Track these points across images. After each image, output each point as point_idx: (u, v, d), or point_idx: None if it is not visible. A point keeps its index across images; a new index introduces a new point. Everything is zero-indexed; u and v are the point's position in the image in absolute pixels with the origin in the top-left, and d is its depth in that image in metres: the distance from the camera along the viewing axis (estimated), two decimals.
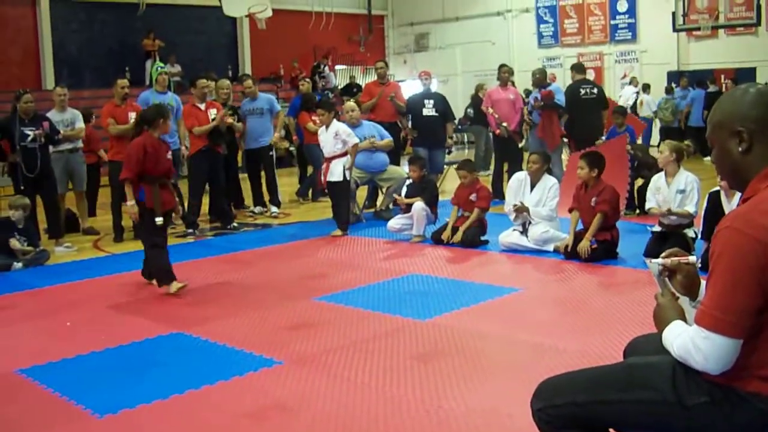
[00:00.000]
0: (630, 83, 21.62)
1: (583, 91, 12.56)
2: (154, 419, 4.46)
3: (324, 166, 10.21)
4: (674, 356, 2.58)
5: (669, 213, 7.86)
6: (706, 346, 2.45)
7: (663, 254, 2.88)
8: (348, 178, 10.10)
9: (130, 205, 7.38)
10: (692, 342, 2.49)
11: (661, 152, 8.18)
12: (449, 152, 12.94)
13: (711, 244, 2.53)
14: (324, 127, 10.17)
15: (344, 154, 9.98)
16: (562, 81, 22.44)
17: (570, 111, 12.44)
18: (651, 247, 7.77)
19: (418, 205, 9.50)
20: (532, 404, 2.80)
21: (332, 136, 9.99)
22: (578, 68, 13.35)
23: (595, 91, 12.70)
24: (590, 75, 24.09)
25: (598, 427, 2.76)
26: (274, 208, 12.21)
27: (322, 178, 10.26)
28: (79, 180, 11.03)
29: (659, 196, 8.00)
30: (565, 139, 12.65)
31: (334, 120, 10.16)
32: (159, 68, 11.76)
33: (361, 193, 11.88)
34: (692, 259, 2.84)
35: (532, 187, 8.80)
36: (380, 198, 12.03)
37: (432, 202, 9.67)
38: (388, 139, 11.26)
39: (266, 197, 12.45)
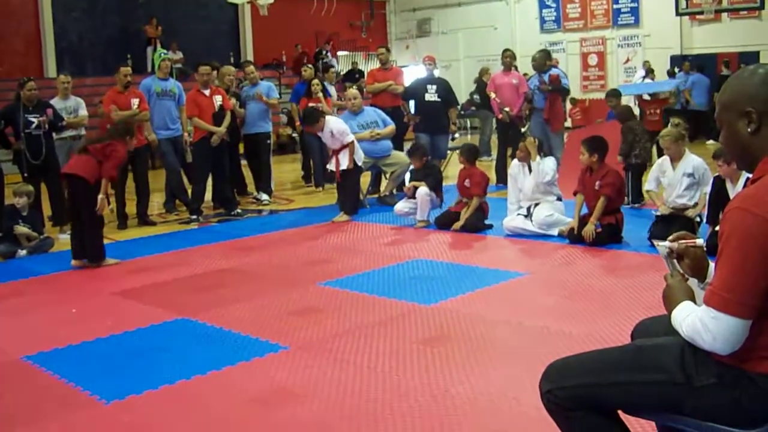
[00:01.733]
0: (642, 67, 21.49)
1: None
2: (161, 405, 4.47)
3: (333, 159, 10.22)
4: (683, 337, 2.57)
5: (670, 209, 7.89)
6: (715, 327, 2.44)
7: (670, 237, 2.87)
8: (359, 164, 10.18)
9: (102, 198, 8.06)
10: (701, 322, 2.48)
11: (667, 148, 8.12)
12: (453, 138, 12.90)
13: (720, 224, 2.52)
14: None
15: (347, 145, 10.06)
16: (564, 66, 22.42)
17: None
18: (656, 230, 7.73)
19: (422, 190, 9.50)
20: (541, 386, 2.79)
21: (329, 137, 10.07)
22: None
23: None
24: (593, 60, 24.26)
25: (606, 409, 2.75)
26: (264, 196, 12.19)
27: (335, 169, 10.27)
28: None
29: (664, 180, 7.99)
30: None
31: (327, 121, 10.19)
32: (162, 54, 11.74)
33: (365, 179, 11.85)
34: (699, 242, 2.83)
35: (530, 169, 8.81)
36: (383, 183, 12.02)
37: (436, 187, 9.67)
38: (391, 126, 11.26)
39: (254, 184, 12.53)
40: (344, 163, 10.04)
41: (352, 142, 10.05)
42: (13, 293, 7.32)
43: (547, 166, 8.67)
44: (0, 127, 9.69)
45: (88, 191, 8.01)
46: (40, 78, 18.61)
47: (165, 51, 13.63)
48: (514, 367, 4.73)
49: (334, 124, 10.15)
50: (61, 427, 4.28)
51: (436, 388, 4.45)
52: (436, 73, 13.14)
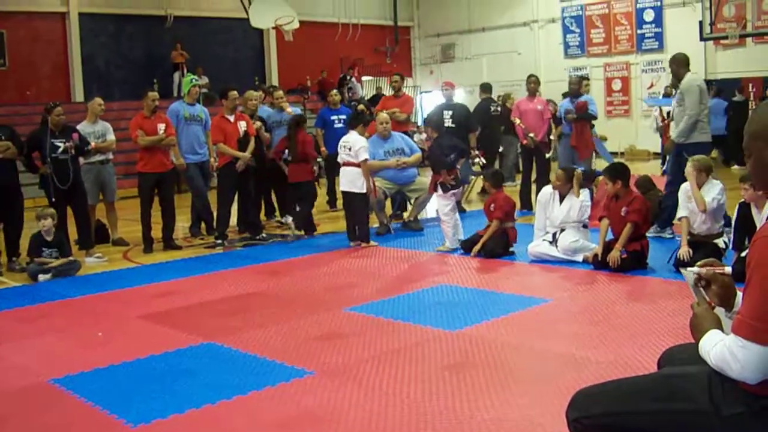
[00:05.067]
0: (664, 92, 21.38)
1: (492, 108, 14.27)
2: (187, 429, 4.49)
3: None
4: (711, 366, 2.57)
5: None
6: (744, 355, 2.44)
7: (698, 263, 2.87)
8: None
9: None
10: (729, 351, 2.48)
11: (689, 173, 8.04)
12: (473, 163, 12.90)
13: (748, 253, 2.52)
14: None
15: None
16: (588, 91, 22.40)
17: (482, 126, 13.42)
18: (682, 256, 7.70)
19: (444, 216, 9.54)
20: (568, 414, 2.80)
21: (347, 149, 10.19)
22: (486, 88, 15.16)
23: (500, 109, 14.47)
24: (617, 85, 24.24)
25: None
26: (290, 220, 12.19)
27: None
28: (110, 191, 11.13)
29: (691, 205, 7.94)
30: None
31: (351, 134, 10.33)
32: (193, 80, 11.83)
33: (388, 204, 11.88)
34: (728, 270, 2.83)
35: (561, 199, 8.77)
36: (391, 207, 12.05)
37: (441, 164, 9.70)
38: (417, 154, 11.26)
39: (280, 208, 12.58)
40: (358, 185, 10.05)
41: (366, 161, 10.04)
42: (41, 316, 7.39)
43: (586, 202, 8.65)
44: (23, 151, 9.77)
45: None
46: (68, 102, 18.88)
47: (196, 77, 13.69)
48: (539, 393, 4.71)
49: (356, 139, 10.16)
50: None
51: (461, 414, 4.44)
52: (457, 97, 13.25)
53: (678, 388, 2.65)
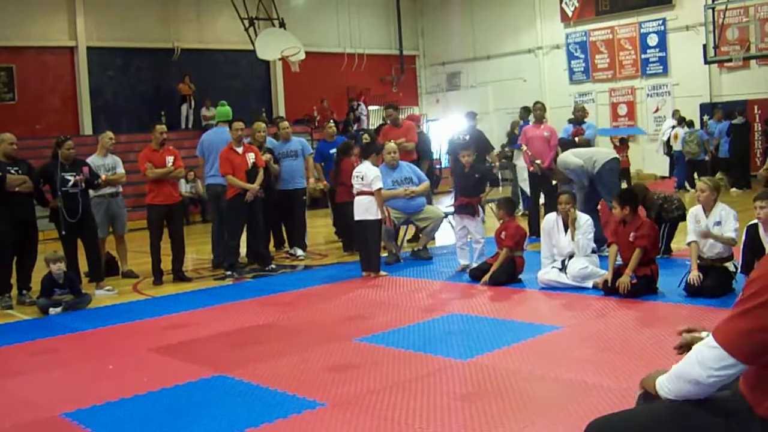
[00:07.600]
0: (673, 116, 21.39)
1: (454, 136, 14.25)
2: None
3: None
4: (671, 388, 2.69)
5: (709, 236, 7.78)
6: (707, 354, 2.52)
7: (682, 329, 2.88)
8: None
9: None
10: (697, 349, 2.56)
11: (702, 191, 8.05)
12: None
13: (754, 271, 2.52)
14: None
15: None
16: (594, 116, 22.48)
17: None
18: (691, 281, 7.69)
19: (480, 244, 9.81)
20: None
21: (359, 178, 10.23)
22: (468, 116, 15.07)
23: (467, 137, 13.78)
24: (623, 110, 24.27)
25: None
26: (299, 251, 12.23)
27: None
28: (120, 224, 11.17)
29: (699, 228, 7.92)
30: None
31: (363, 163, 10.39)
32: (223, 104, 11.99)
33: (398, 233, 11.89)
34: (704, 334, 2.88)
35: (566, 227, 8.78)
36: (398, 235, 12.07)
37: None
38: (425, 183, 11.30)
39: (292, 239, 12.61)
40: (373, 212, 10.04)
41: (380, 190, 10.06)
42: (51, 349, 7.39)
43: (586, 236, 8.65)
44: (39, 185, 9.82)
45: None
46: (76, 135, 18.98)
47: (224, 104, 13.75)
48: (552, 422, 4.69)
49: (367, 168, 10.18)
50: None
51: None
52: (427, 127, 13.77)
53: (694, 416, 2.64)
